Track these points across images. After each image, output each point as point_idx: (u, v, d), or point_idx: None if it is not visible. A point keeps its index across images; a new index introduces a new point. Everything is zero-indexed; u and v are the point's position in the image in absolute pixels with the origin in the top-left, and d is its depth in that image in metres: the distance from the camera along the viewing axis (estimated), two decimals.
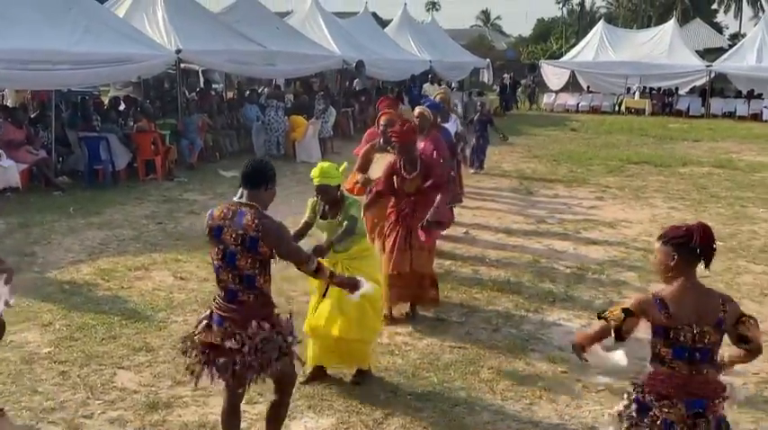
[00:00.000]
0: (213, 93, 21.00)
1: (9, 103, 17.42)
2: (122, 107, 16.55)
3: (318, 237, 5.66)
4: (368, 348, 5.58)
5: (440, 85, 27.66)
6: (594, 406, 5.26)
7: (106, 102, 17.27)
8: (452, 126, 10.02)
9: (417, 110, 8.33)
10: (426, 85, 27.77)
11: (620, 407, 3.62)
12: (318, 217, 5.48)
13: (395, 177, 6.62)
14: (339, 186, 5.41)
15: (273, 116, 17.14)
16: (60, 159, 13.78)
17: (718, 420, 3.47)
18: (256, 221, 3.89)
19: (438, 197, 6.62)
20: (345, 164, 5.70)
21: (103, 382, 5.50)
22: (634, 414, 3.52)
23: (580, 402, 5.33)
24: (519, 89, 35.44)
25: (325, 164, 5.41)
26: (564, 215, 11.50)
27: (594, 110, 33.01)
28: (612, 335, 3.52)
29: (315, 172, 5.31)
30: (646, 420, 3.47)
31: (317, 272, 4.24)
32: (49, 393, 5.30)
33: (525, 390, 5.49)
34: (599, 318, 3.63)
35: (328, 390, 5.38)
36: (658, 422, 3.42)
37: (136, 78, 19.06)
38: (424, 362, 5.93)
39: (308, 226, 5.52)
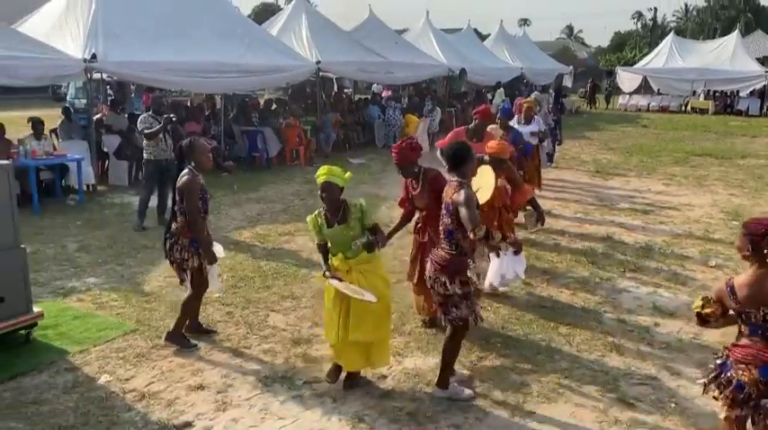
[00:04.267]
0: (344, 96, 21.27)
1: (189, 103, 18.23)
2: (274, 107, 17.01)
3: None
4: (385, 347, 4.68)
5: (525, 89, 26.85)
6: (658, 360, 5.06)
7: (262, 103, 17.84)
8: (534, 126, 9.69)
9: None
10: (500, 91, 26.89)
11: (711, 364, 3.47)
12: (325, 227, 4.47)
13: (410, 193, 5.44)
14: (342, 190, 4.43)
15: (392, 114, 17.34)
16: (227, 148, 14.34)
17: None
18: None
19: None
20: (349, 173, 4.56)
21: (259, 322, 5.73)
22: (717, 372, 3.37)
23: (645, 356, 5.13)
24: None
25: (333, 166, 4.43)
26: (635, 199, 11.00)
27: (663, 109, 31.31)
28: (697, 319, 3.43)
29: (321, 170, 4.36)
30: (723, 379, 3.31)
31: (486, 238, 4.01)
32: (218, 328, 5.57)
33: (598, 344, 5.33)
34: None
35: (433, 335, 5.39)
36: (732, 382, 3.26)
37: (285, 84, 19.51)
38: (512, 318, 5.86)
39: (326, 247, 4.57)
